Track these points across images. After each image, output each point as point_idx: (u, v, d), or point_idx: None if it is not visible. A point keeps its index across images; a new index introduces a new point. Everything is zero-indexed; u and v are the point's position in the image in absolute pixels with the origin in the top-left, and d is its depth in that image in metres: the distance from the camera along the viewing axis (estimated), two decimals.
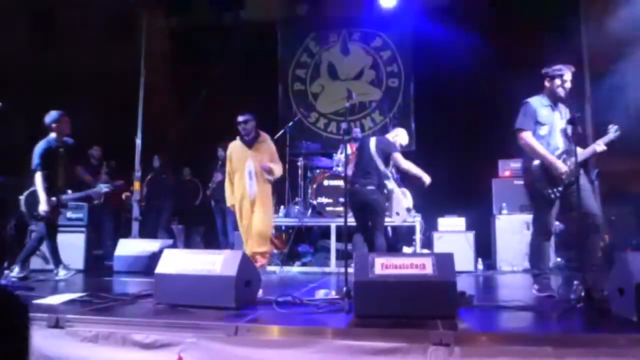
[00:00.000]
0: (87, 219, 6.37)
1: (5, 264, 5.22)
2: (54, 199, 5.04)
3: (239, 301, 3.31)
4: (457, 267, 3.16)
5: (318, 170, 7.00)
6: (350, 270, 3.32)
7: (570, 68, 3.87)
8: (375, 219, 4.76)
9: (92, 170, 6.70)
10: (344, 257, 3.74)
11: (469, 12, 7.50)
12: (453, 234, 6.07)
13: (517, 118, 3.93)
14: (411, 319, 2.87)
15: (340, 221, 5.46)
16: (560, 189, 3.77)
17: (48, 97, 6.52)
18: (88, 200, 6.01)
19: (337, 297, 3.59)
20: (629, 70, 5.75)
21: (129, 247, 6.23)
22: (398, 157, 4.80)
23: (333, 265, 6.08)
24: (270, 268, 6.12)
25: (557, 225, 5.26)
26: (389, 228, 6.33)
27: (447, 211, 6.38)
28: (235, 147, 4.90)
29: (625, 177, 5.86)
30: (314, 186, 6.74)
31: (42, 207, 4.94)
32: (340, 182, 6.51)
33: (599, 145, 3.85)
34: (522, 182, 6.19)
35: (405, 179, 5.42)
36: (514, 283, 5.19)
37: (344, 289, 3.40)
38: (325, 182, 6.73)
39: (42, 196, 4.95)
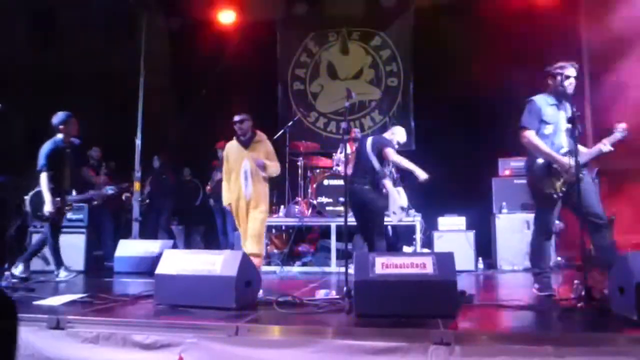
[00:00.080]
0: (87, 220, 6.37)
1: (6, 265, 5.22)
2: (58, 199, 5.04)
3: (239, 301, 3.31)
4: (458, 267, 3.17)
5: (318, 170, 7.00)
6: (351, 270, 3.32)
7: (574, 65, 3.83)
8: (374, 219, 4.77)
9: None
10: (344, 256, 3.74)
11: (468, 11, 7.50)
12: (453, 233, 6.08)
13: (522, 116, 3.89)
14: (412, 319, 2.88)
15: (340, 221, 5.46)
16: (563, 188, 3.73)
17: (48, 97, 6.53)
18: (88, 201, 6.01)
19: (337, 296, 3.60)
20: (628, 70, 5.74)
21: (129, 248, 6.24)
22: (389, 151, 4.76)
23: (333, 265, 6.08)
24: (270, 268, 6.13)
25: (557, 224, 5.26)
26: (389, 227, 6.33)
27: (447, 210, 6.38)
28: (232, 147, 4.88)
29: (625, 176, 5.86)
30: (314, 186, 6.74)
31: (47, 207, 4.95)
32: (340, 182, 6.51)
33: (605, 145, 3.78)
34: (522, 181, 6.25)
35: (405, 178, 5.41)
36: (514, 282, 5.19)
37: (345, 288, 3.40)
38: (325, 182, 6.73)
39: (46, 197, 4.95)
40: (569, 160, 3.67)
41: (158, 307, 3.44)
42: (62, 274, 5.12)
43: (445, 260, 3.13)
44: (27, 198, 5.14)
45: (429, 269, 3.08)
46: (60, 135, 5.14)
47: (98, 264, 6.54)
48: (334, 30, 8.74)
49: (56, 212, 5.02)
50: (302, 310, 3.32)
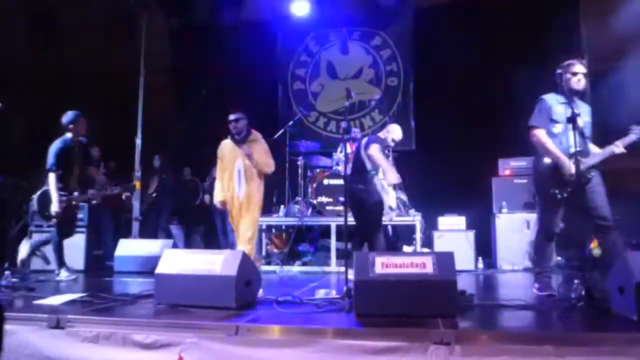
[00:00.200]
0: (87, 219, 6.37)
1: (6, 264, 5.22)
2: (64, 198, 5.04)
3: (239, 301, 3.31)
4: (458, 266, 3.16)
5: (318, 170, 7.00)
6: (351, 269, 3.32)
7: (582, 61, 3.78)
8: (372, 218, 4.77)
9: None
10: (344, 256, 3.74)
11: (468, 11, 7.50)
12: (453, 233, 6.08)
13: (532, 115, 3.84)
14: (412, 318, 2.87)
15: (340, 220, 5.45)
16: (568, 189, 3.66)
17: (48, 97, 6.54)
18: (88, 200, 6.02)
19: (337, 296, 3.60)
20: (629, 70, 5.74)
21: (129, 247, 6.24)
22: (372, 147, 4.69)
23: (333, 265, 6.08)
24: (270, 268, 6.13)
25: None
26: (389, 227, 6.34)
27: (447, 210, 6.38)
28: (226, 146, 4.85)
29: (627, 176, 5.85)
30: (314, 185, 6.74)
31: (54, 207, 4.95)
32: (340, 181, 6.52)
33: (618, 147, 3.68)
34: (522, 181, 6.28)
35: (404, 178, 5.40)
36: (515, 282, 5.19)
37: (344, 288, 3.40)
38: (325, 181, 6.73)
39: (54, 196, 4.95)
40: (570, 166, 3.59)
41: (158, 307, 3.43)
42: (63, 274, 5.12)
43: (445, 260, 3.12)
44: (34, 197, 5.15)
45: (429, 269, 3.07)
46: (69, 135, 5.14)
47: (98, 264, 6.53)
48: (334, 29, 8.75)
49: (63, 211, 5.03)
50: (302, 310, 3.31)
